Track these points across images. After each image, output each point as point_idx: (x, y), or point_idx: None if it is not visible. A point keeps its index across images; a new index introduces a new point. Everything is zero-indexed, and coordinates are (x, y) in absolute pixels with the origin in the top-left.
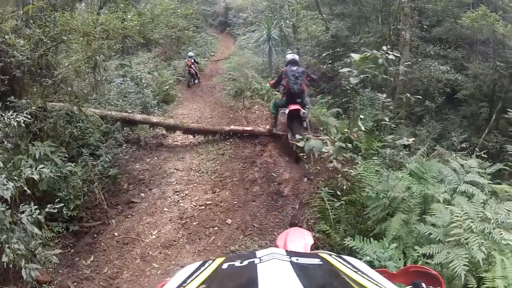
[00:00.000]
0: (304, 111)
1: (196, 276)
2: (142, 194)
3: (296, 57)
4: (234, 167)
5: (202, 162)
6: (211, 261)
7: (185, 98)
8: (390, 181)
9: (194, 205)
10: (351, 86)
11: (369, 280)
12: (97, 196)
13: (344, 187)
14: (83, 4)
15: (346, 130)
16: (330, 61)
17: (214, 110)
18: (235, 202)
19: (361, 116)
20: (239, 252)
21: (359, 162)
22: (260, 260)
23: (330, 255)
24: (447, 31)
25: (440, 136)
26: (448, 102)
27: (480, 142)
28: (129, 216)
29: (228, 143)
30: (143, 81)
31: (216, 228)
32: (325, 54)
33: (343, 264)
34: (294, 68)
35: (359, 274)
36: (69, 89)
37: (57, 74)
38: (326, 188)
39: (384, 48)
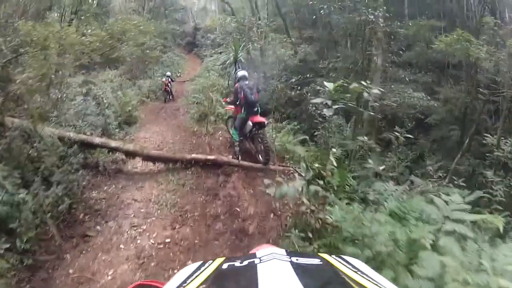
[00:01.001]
0: (266, 121)
1: (196, 276)
2: (98, 227)
3: (246, 73)
4: (195, 200)
5: (162, 193)
6: (211, 261)
7: (148, 120)
8: (371, 226)
9: (152, 243)
10: (319, 113)
11: (369, 280)
12: (50, 229)
13: (317, 226)
14: (56, 14)
15: (317, 165)
16: (298, 86)
17: (177, 135)
18: (196, 241)
19: (334, 150)
20: None
21: (333, 202)
22: (260, 260)
23: (330, 255)
24: (417, 55)
25: (412, 161)
26: (418, 126)
27: (453, 167)
28: (84, 251)
29: (190, 172)
30: (105, 101)
31: (176, 271)
32: (293, 80)
33: (343, 264)
34: (247, 82)
35: (359, 274)
36: (25, 106)
37: (15, 89)
38: (296, 230)
39: (363, 83)
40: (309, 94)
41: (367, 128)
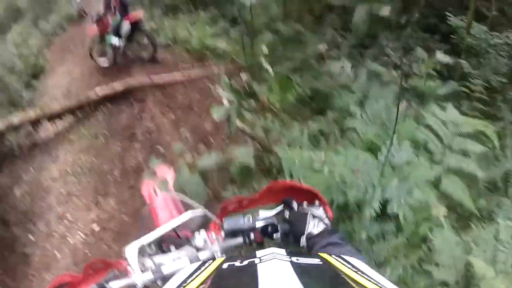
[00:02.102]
0: (141, 15)
1: (196, 276)
2: (31, 237)
3: None
4: (112, 152)
5: (77, 156)
6: (211, 261)
7: (56, 61)
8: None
9: (83, 238)
10: None
11: (369, 280)
12: None
13: None
14: None
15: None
16: None
17: (84, 66)
18: (124, 217)
19: (264, 48)
20: None
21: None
22: (260, 260)
23: (330, 255)
24: None
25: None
26: None
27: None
28: (31, 276)
29: (101, 114)
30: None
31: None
32: None
33: (344, 264)
34: None
35: (359, 274)
36: None
37: None
38: None
39: None
40: None
41: (297, 3)
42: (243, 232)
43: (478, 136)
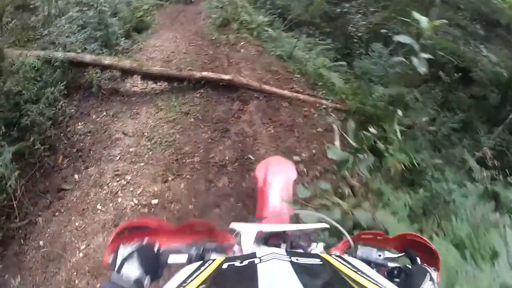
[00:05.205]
0: None
1: (196, 276)
2: (76, 176)
3: None
4: (198, 137)
5: (159, 124)
6: (211, 261)
7: (163, 25)
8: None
9: (136, 204)
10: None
11: (369, 280)
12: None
13: None
14: None
15: (373, 130)
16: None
17: (192, 43)
18: (190, 206)
19: (399, 112)
20: None
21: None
22: (260, 260)
23: (330, 255)
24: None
25: (457, 121)
26: (460, 78)
27: (494, 136)
28: (57, 213)
29: (198, 95)
30: (107, 8)
31: None
32: None
33: (343, 264)
34: None
35: (359, 274)
36: None
37: None
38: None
39: None
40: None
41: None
42: (370, 264)
43: None
